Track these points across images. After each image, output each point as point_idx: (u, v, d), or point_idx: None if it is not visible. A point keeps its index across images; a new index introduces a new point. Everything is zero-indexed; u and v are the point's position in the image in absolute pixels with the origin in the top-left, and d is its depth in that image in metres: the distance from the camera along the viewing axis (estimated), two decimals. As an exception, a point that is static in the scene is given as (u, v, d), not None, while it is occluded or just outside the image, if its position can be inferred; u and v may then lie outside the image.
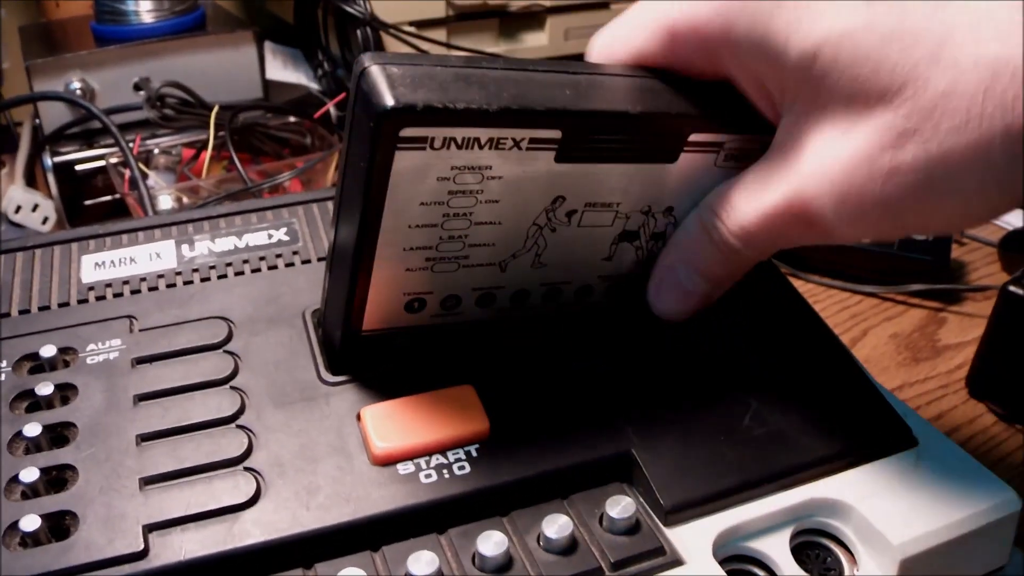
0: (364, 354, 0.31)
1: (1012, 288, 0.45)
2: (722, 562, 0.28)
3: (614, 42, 0.30)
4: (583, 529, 0.28)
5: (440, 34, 0.77)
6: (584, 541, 0.28)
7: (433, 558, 0.26)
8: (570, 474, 0.30)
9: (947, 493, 0.31)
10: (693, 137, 0.30)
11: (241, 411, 0.30)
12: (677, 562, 0.28)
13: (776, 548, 0.30)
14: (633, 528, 0.28)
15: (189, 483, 0.28)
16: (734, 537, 0.30)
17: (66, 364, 0.32)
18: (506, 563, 0.27)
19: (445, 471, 0.29)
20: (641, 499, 0.29)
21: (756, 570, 0.30)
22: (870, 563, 0.30)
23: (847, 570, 0.30)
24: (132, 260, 0.36)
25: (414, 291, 0.30)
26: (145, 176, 0.60)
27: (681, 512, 0.29)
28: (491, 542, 0.27)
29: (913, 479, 0.31)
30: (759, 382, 0.34)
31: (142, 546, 0.26)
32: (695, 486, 0.30)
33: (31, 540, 0.26)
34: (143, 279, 0.35)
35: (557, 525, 0.28)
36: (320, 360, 0.32)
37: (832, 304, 0.58)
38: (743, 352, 0.35)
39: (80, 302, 0.34)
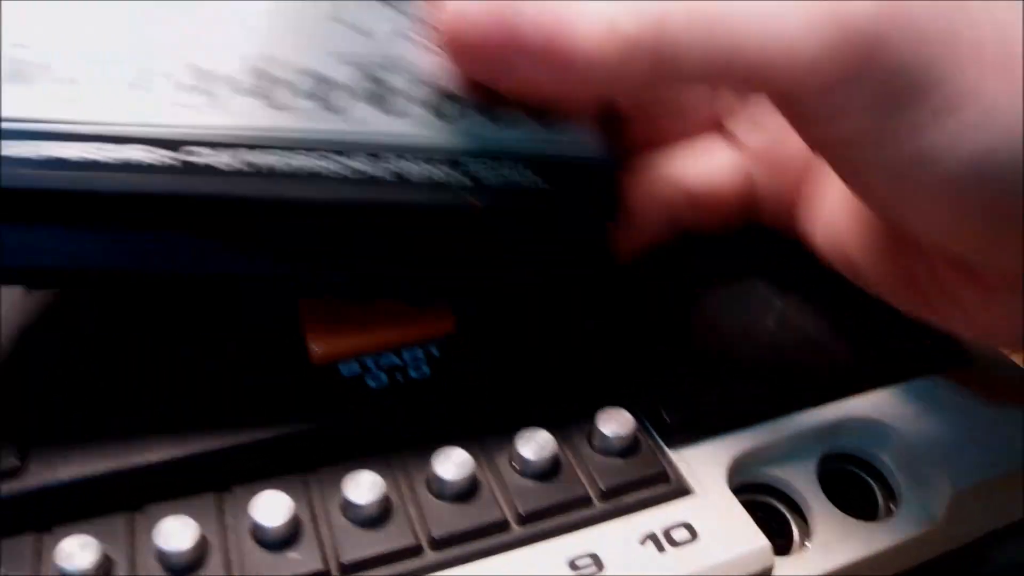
0: None
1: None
2: (736, 491, 0.23)
3: None
4: (568, 450, 0.23)
5: None
6: (569, 464, 0.22)
7: (377, 481, 0.21)
8: (553, 386, 0.24)
9: (1006, 419, 0.25)
10: None
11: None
12: (683, 491, 0.23)
13: (801, 477, 0.24)
14: (630, 449, 0.23)
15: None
16: (751, 463, 0.24)
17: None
18: (469, 489, 0.21)
19: (398, 374, 0.23)
20: (642, 417, 0.24)
21: (776, 503, 0.24)
22: (912, 499, 0.24)
23: (884, 505, 0.25)
24: None
25: None
26: None
27: (689, 431, 0.24)
28: (451, 463, 0.21)
29: (966, 401, 0.26)
30: (784, 284, 0.28)
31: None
32: (706, 399, 0.24)
33: None
34: None
35: (535, 443, 0.22)
36: None
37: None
38: (765, 258, 0.28)
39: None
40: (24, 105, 0.18)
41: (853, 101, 0.17)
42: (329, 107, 0.20)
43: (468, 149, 0.20)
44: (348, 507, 0.21)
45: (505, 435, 0.22)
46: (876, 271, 0.23)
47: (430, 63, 0.21)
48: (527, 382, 0.24)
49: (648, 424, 0.24)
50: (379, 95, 0.20)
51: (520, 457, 0.22)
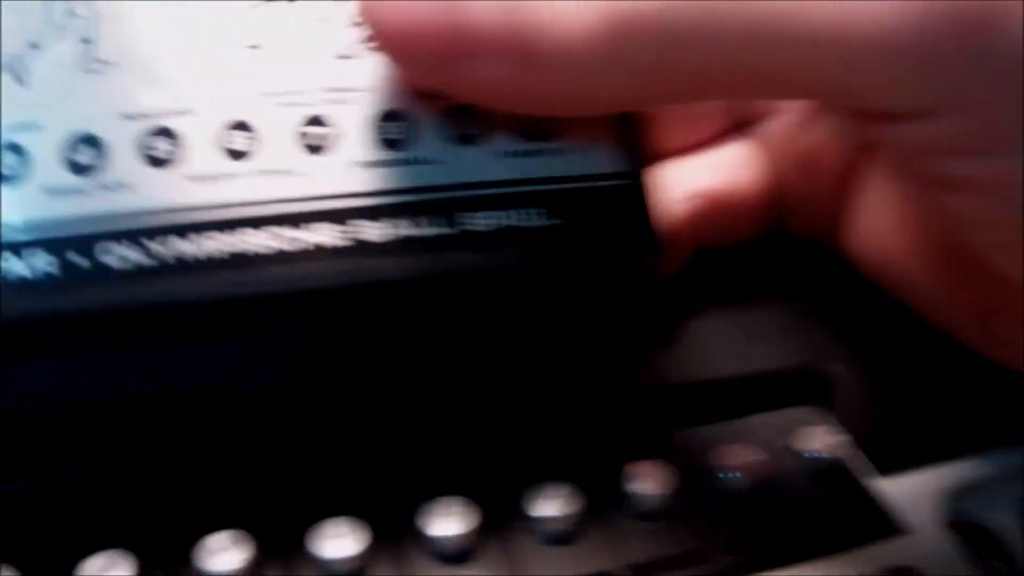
0: None
1: None
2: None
3: None
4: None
5: None
6: (768, 487, 0.19)
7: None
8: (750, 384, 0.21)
9: None
10: None
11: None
12: (897, 529, 0.19)
13: (1006, 515, 0.21)
14: (833, 470, 0.20)
15: None
16: (958, 498, 0.21)
17: None
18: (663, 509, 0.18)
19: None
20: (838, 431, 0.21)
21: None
22: None
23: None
24: None
25: None
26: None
27: (897, 459, 0.21)
28: (648, 478, 0.18)
29: None
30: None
31: None
32: (916, 426, 0.21)
33: None
34: None
35: (740, 461, 0.19)
36: None
37: None
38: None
39: None
40: None
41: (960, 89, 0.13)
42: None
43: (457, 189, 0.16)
44: (535, 523, 0.18)
45: (703, 452, 0.19)
46: (938, 299, 0.19)
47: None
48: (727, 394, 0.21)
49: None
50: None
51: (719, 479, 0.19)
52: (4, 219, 0.15)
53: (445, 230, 0.16)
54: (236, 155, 0.15)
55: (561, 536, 0.18)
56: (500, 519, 0.18)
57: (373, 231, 0.15)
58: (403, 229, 0.16)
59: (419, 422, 0.19)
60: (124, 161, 0.15)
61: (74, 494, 0.17)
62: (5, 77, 0.15)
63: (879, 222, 0.20)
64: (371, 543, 0.17)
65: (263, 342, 0.17)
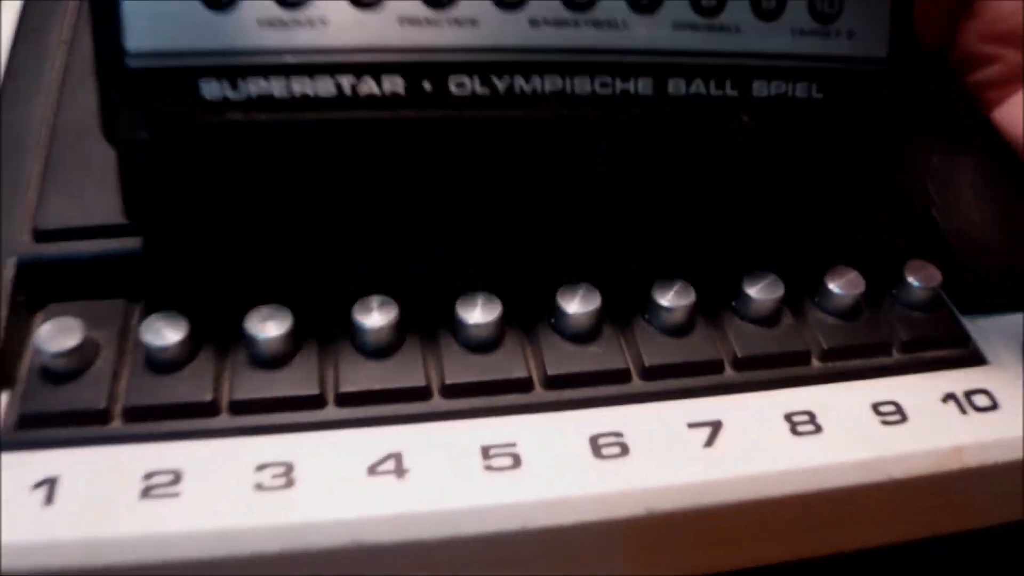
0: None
1: None
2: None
3: None
4: (872, 295, 0.21)
5: None
6: (872, 308, 0.21)
7: (688, 291, 0.20)
8: (862, 233, 0.22)
9: None
10: None
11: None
12: (980, 358, 0.21)
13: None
14: (932, 305, 0.21)
15: None
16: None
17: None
18: (774, 315, 0.20)
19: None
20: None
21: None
22: None
23: None
24: None
25: None
26: None
27: (986, 301, 0.22)
28: (761, 287, 0.20)
29: None
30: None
31: None
32: (1007, 273, 0.22)
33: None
34: None
35: (845, 281, 0.21)
36: None
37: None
38: None
39: None
40: None
41: None
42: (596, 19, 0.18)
43: (741, 56, 0.18)
44: (656, 311, 0.20)
45: (816, 271, 0.21)
46: None
47: None
48: (838, 223, 0.22)
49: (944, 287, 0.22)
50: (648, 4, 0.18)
51: (827, 291, 0.20)
52: None
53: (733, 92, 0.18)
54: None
55: (677, 328, 0.20)
56: (625, 307, 0.20)
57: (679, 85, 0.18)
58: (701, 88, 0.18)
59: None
60: None
61: (247, 253, 0.20)
62: None
63: None
64: (501, 314, 0.19)
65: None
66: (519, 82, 0.18)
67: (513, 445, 0.18)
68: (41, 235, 0.20)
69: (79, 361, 0.18)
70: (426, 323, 0.19)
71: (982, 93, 0.23)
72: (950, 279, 0.22)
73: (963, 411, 0.20)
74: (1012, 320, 0.22)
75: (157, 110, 0.17)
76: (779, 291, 0.20)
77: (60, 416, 0.18)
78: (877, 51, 0.19)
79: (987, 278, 0.22)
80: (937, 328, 0.21)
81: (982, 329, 0.22)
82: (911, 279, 0.21)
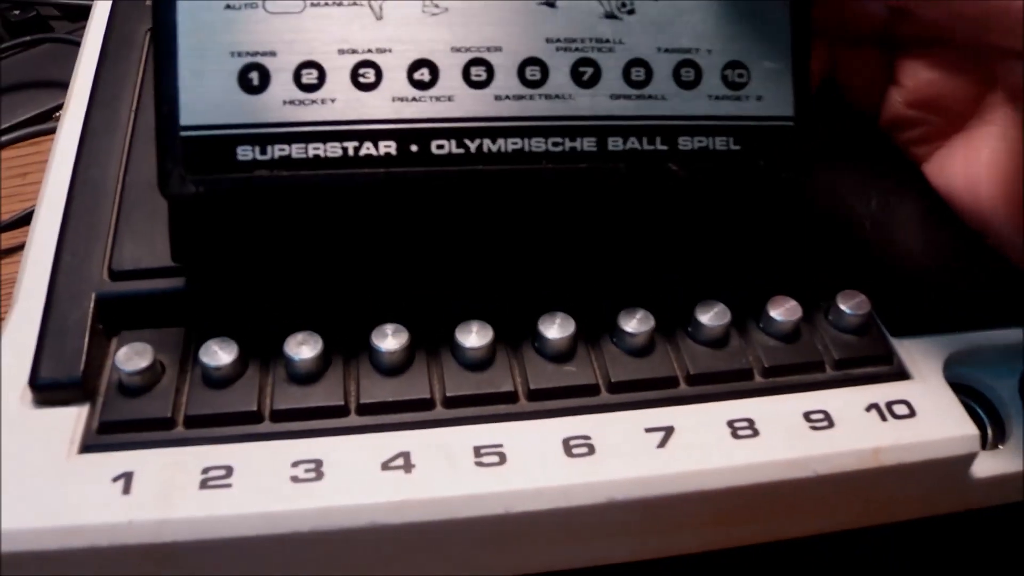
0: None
1: None
2: (947, 386, 0.25)
3: None
4: (808, 320, 0.25)
5: None
6: (808, 332, 0.25)
7: (648, 318, 0.23)
8: (799, 265, 0.26)
9: None
10: None
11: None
12: (904, 374, 0.25)
13: (1005, 385, 0.26)
14: (862, 329, 0.25)
15: None
16: (962, 363, 0.26)
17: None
18: (722, 337, 0.24)
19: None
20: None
21: (973, 404, 0.27)
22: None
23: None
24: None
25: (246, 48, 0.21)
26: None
27: (913, 324, 0.26)
28: (711, 313, 0.24)
29: None
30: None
31: None
32: (933, 298, 0.26)
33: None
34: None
35: (784, 308, 0.24)
36: None
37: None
38: None
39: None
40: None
41: None
42: (547, 93, 0.22)
43: (667, 118, 0.23)
44: (621, 335, 0.23)
45: (759, 299, 0.25)
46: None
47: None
48: (778, 257, 0.26)
49: (876, 312, 0.26)
50: (588, 76, 0.22)
51: (769, 317, 0.24)
52: None
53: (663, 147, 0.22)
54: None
55: (639, 349, 0.24)
56: (595, 332, 0.24)
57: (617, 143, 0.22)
58: (635, 144, 0.22)
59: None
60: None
61: (284, 288, 0.24)
62: (367, 11, 0.21)
63: (980, 157, 0.25)
64: (493, 338, 0.23)
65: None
66: (487, 143, 0.22)
67: (500, 446, 0.22)
68: (116, 275, 0.24)
69: (149, 378, 0.22)
70: (431, 346, 0.23)
71: (910, 149, 0.27)
72: (883, 304, 0.26)
73: (883, 418, 0.23)
74: (936, 340, 0.26)
75: (203, 171, 0.21)
76: (727, 317, 0.24)
77: (134, 423, 0.22)
78: (785, 110, 0.23)
79: (914, 304, 0.26)
80: (866, 348, 0.25)
81: (908, 348, 0.25)
82: (843, 306, 0.25)
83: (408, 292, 0.24)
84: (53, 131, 0.29)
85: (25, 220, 0.38)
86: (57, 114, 0.43)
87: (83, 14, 0.41)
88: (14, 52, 0.47)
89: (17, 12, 0.47)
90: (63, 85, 0.30)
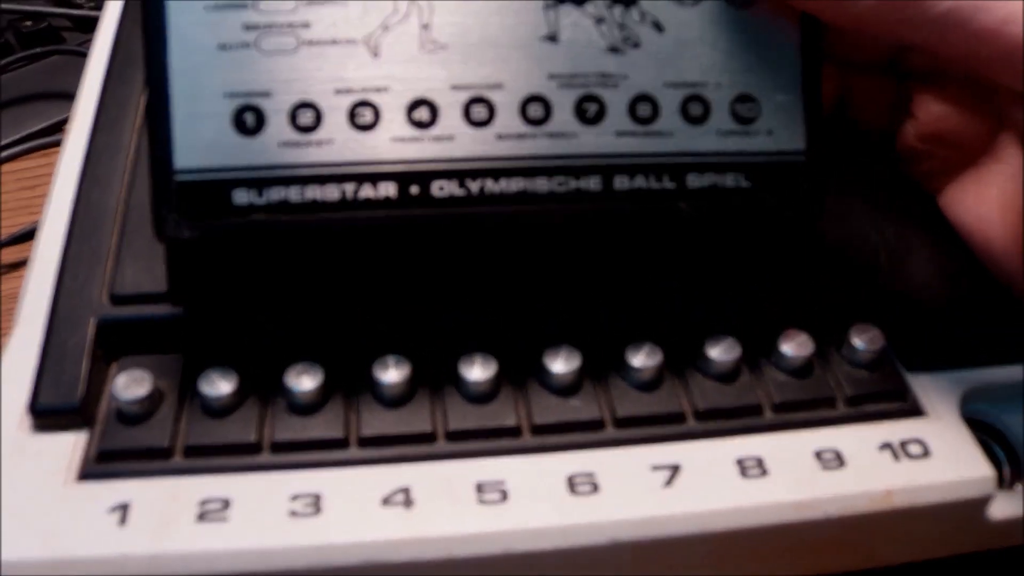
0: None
1: None
2: (963, 423, 0.24)
3: None
4: (820, 354, 0.24)
5: None
6: (820, 367, 0.24)
7: (655, 351, 0.23)
8: (813, 298, 0.25)
9: None
10: None
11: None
12: (918, 411, 0.24)
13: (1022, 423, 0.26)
14: (876, 364, 0.24)
15: None
16: (979, 400, 0.25)
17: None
18: (732, 372, 0.23)
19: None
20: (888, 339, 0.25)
21: (991, 442, 0.26)
22: None
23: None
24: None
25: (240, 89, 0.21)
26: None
27: (929, 359, 0.25)
28: (720, 348, 0.23)
29: None
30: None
31: None
32: (950, 334, 0.25)
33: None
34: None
35: (795, 342, 0.24)
36: None
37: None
38: None
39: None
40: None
41: None
42: (551, 131, 0.22)
43: (675, 155, 0.22)
44: (628, 370, 0.23)
45: (770, 333, 0.24)
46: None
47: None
48: (789, 289, 0.25)
49: (891, 346, 0.25)
50: (592, 112, 0.22)
51: (780, 352, 0.24)
52: None
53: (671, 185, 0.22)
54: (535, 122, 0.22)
55: (646, 384, 0.23)
56: (601, 366, 0.23)
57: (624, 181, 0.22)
58: (642, 182, 0.22)
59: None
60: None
61: (285, 320, 0.24)
62: (363, 49, 0.21)
63: (990, 194, 0.24)
64: (497, 371, 0.23)
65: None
66: (489, 184, 0.21)
67: (502, 482, 0.21)
68: (117, 299, 0.24)
69: (148, 407, 0.22)
70: (433, 379, 0.23)
71: (923, 182, 0.26)
72: (897, 339, 0.25)
73: (897, 458, 0.23)
74: (952, 376, 0.25)
75: (198, 215, 0.21)
76: (736, 352, 0.23)
77: (131, 452, 0.21)
78: (796, 144, 0.23)
79: (930, 338, 0.25)
80: (879, 384, 0.24)
81: (923, 384, 0.25)
82: (856, 341, 0.24)
83: (411, 324, 0.23)
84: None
85: (28, 236, 0.38)
86: (66, 127, 0.43)
87: (95, 26, 0.41)
88: (25, 63, 0.47)
89: (29, 23, 0.47)
90: (73, 97, 0.30)
